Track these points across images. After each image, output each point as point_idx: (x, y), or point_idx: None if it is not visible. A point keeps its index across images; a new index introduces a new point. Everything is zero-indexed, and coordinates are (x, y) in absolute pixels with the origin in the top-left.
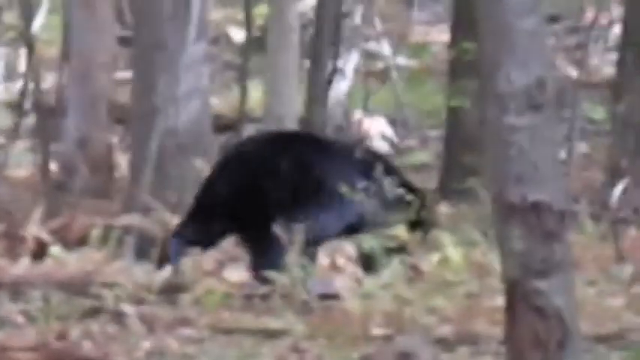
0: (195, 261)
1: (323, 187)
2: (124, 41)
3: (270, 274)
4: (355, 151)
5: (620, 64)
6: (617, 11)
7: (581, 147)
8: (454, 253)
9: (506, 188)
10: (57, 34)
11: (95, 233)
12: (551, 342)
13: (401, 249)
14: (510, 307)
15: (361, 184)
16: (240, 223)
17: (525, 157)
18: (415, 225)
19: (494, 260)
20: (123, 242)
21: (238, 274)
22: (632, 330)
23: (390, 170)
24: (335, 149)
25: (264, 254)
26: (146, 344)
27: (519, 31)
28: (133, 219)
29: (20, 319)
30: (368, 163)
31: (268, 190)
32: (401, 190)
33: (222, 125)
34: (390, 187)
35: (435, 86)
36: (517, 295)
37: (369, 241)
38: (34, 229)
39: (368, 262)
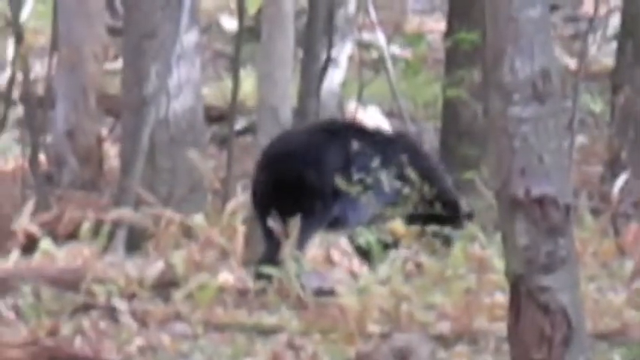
0: (188, 255)
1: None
2: (113, 31)
3: (265, 269)
4: (394, 144)
5: (619, 54)
6: (615, 0)
7: (580, 139)
8: (452, 248)
9: (511, 181)
10: (46, 23)
11: (86, 227)
12: (556, 338)
13: (389, 244)
14: (514, 303)
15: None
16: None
17: (530, 149)
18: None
19: (493, 255)
20: (114, 236)
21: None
22: (633, 326)
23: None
24: (374, 141)
25: (265, 247)
26: (138, 340)
27: (524, 20)
28: (123, 212)
29: (10, 314)
30: (404, 156)
31: (313, 178)
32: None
33: (214, 116)
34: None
35: (430, 76)
36: (521, 291)
37: (365, 235)
38: (24, 223)
39: (366, 257)
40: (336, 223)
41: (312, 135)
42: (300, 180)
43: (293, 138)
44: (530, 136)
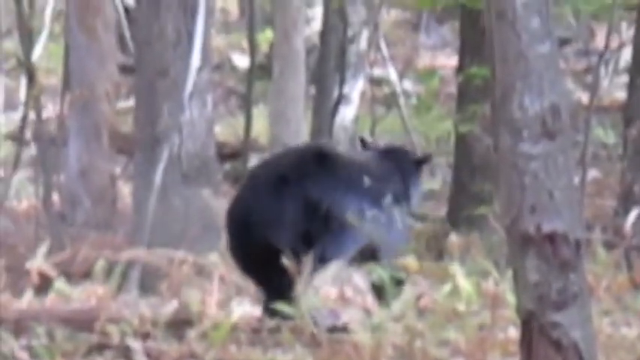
0: (202, 294)
1: (331, 218)
2: (125, 69)
3: (279, 306)
4: (370, 165)
5: (631, 87)
6: (627, 33)
7: (593, 172)
8: (465, 284)
9: (521, 218)
10: (58, 62)
11: (99, 266)
12: None
13: (403, 280)
14: (526, 340)
15: (371, 210)
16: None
17: (540, 185)
18: None
19: (506, 291)
20: (127, 276)
21: (245, 307)
22: None
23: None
24: (347, 169)
25: (274, 286)
26: None
27: (534, 56)
28: (137, 252)
29: (24, 355)
30: (382, 182)
31: (277, 239)
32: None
33: (227, 154)
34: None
35: (442, 112)
36: (533, 328)
37: (378, 272)
38: (37, 263)
39: (380, 293)
40: (319, 260)
41: (272, 183)
42: (269, 245)
43: (253, 193)
44: (540, 173)
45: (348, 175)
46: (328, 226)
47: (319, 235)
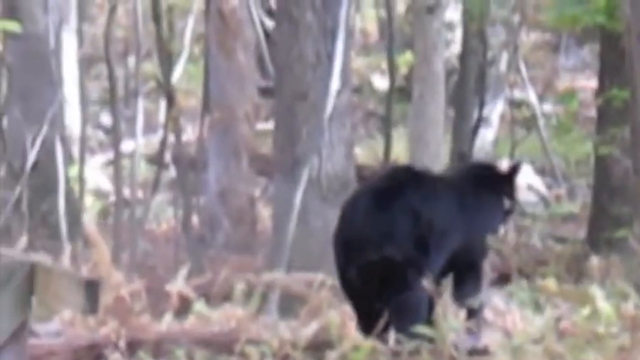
0: (341, 317)
1: (433, 233)
2: (265, 92)
3: (418, 328)
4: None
5: None
6: None
7: None
8: (605, 306)
9: None
10: (197, 84)
11: (239, 289)
12: None
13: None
14: None
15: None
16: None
17: None
18: None
19: None
20: (267, 298)
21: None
22: None
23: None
24: (440, 187)
25: (411, 308)
26: None
27: None
28: (276, 275)
29: None
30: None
31: (395, 250)
32: None
33: (367, 175)
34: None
35: (582, 134)
36: None
37: (518, 293)
38: (177, 285)
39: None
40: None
41: (377, 200)
42: (388, 259)
43: (360, 212)
44: None
45: (449, 195)
46: (430, 240)
47: (428, 248)
